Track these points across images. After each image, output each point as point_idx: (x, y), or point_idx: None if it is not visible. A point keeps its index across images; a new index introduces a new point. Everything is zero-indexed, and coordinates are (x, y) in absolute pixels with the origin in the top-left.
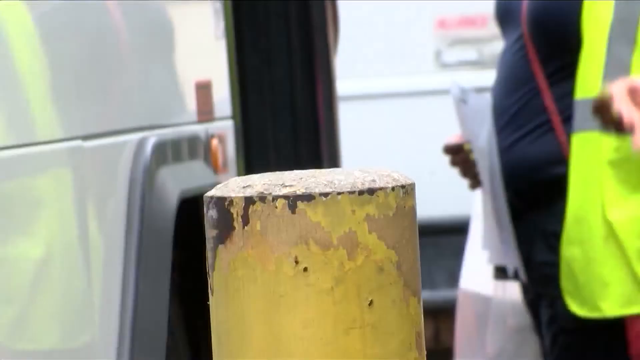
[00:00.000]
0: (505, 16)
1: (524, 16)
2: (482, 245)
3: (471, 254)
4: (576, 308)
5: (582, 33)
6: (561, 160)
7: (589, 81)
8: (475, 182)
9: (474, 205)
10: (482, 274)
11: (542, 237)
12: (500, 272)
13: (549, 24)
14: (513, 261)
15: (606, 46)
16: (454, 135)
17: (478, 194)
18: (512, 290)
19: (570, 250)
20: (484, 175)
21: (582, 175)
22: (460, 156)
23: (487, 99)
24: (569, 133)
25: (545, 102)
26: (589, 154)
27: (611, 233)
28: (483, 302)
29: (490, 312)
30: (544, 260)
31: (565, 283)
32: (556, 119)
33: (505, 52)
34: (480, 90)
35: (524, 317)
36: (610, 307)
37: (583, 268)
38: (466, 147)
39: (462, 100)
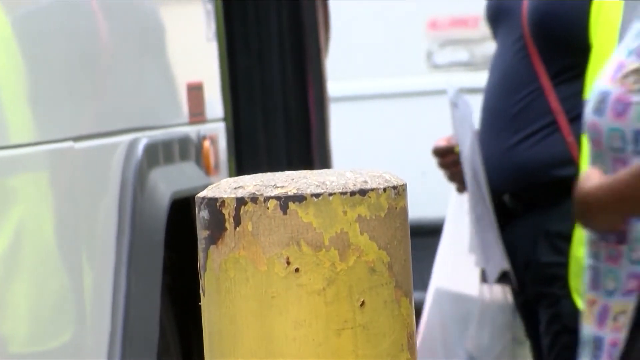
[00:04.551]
0: (500, 16)
1: (525, 16)
2: (469, 248)
3: (443, 255)
4: None
5: (590, 34)
6: (569, 160)
7: None
8: (462, 186)
9: (449, 207)
10: (457, 275)
11: (546, 238)
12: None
13: (555, 25)
14: (499, 265)
15: (616, 46)
16: (443, 138)
17: (453, 196)
18: (497, 291)
19: (581, 250)
20: (469, 180)
21: None
22: (450, 158)
23: (471, 108)
24: (576, 133)
25: (551, 103)
26: None
27: None
28: (465, 302)
29: (475, 312)
30: (548, 260)
31: (574, 282)
32: (562, 120)
33: (503, 53)
34: (472, 91)
35: (510, 318)
36: None
37: None
38: (457, 149)
39: (454, 103)
